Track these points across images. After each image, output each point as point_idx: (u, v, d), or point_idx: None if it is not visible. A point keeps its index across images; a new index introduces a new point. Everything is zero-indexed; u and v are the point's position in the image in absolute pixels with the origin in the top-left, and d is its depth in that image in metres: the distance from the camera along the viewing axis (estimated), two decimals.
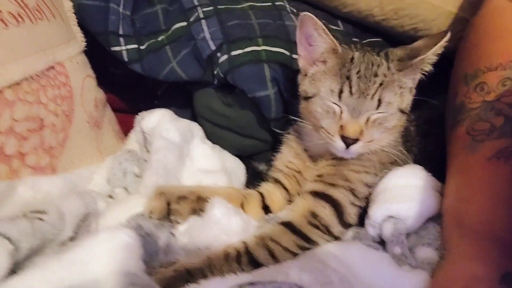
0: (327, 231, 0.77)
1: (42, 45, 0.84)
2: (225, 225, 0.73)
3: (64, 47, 0.92)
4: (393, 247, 0.70)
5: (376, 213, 0.73)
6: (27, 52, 0.79)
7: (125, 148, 1.01)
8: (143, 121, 0.98)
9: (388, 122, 0.80)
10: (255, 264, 0.69)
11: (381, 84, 0.77)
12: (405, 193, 0.74)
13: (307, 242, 0.75)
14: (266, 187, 0.93)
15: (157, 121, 0.96)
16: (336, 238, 0.78)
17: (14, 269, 0.53)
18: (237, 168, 1.03)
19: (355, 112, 0.77)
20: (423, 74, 0.83)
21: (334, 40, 0.80)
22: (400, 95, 0.80)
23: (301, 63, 0.86)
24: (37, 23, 0.84)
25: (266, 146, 1.09)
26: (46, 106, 0.81)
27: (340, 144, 0.78)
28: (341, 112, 0.79)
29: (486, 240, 0.61)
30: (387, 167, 0.83)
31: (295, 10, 1.16)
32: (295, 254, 0.72)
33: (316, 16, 1.17)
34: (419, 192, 0.74)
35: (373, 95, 0.77)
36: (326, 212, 0.79)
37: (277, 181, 0.93)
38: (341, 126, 0.78)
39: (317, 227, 0.77)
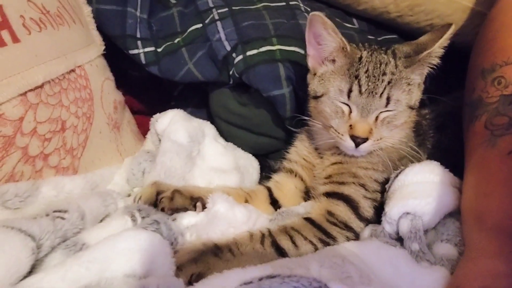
0: (346, 226, 0.78)
1: (63, 49, 0.87)
2: (231, 219, 0.75)
3: (84, 51, 0.95)
4: (411, 243, 0.69)
5: (393, 209, 0.73)
6: (50, 57, 0.81)
7: (144, 149, 1.03)
8: (156, 123, 1.00)
9: (397, 119, 0.81)
10: (277, 248, 0.72)
11: (389, 82, 0.79)
12: (421, 189, 0.74)
13: (327, 237, 0.76)
14: (277, 179, 0.94)
15: (168, 123, 0.98)
16: (356, 233, 0.79)
17: (35, 265, 0.55)
18: (250, 166, 1.04)
19: (364, 111, 0.79)
20: (431, 68, 0.84)
21: (343, 39, 0.81)
22: (408, 92, 0.81)
23: (311, 63, 0.88)
24: (58, 28, 0.87)
25: (281, 144, 1.09)
26: (67, 108, 0.83)
27: (349, 144, 0.80)
28: (350, 112, 0.80)
29: (506, 236, 0.60)
30: (396, 163, 0.84)
31: (309, 9, 1.17)
32: (314, 246, 0.74)
33: (329, 15, 1.18)
34: (436, 188, 0.73)
35: (382, 93, 0.78)
36: (341, 209, 0.80)
37: (291, 172, 0.94)
38: (350, 126, 0.79)
39: (335, 224, 0.78)
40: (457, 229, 0.71)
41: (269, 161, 1.13)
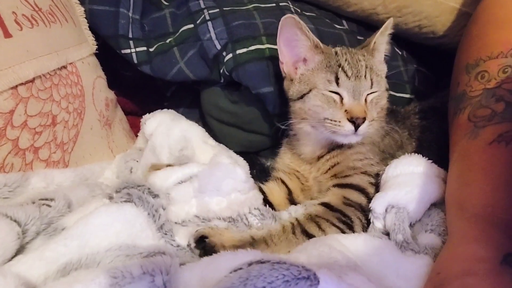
0: (360, 207, 0.81)
1: (54, 46, 0.88)
2: (231, 170, 0.79)
3: (76, 48, 0.96)
4: (395, 235, 0.70)
5: (374, 203, 0.76)
6: (41, 53, 0.83)
7: (136, 147, 1.04)
8: (145, 126, 1.00)
9: (381, 100, 0.88)
10: (306, 234, 0.76)
11: (366, 66, 0.86)
12: (401, 180, 0.76)
13: (344, 217, 0.79)
14: (267, 185, 0.97)
15: (154, 129, 0.98)
16: (367, 218, 0.80)
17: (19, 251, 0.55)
18: None
19: (356, 93, 0.84)
20: (385, 55, 0.96)
21: (315, 38, 0.88)
22: (381, 76, 0.90)
23: (286, 69, 0.93)
24: (50, 26, 0.88)
25: (271, 142, 1.11)
26: (58, 103, 0.84)
27: (349, 128, 0.82)
28: (341, 99, 0.84)
29: (487, 223, 0.61)
30: (379, 145, 0.89)
31: (299, 10, 1.19)
32: (337, 227, 0.78)
33: (320, 16, 1.21)
34: (417, 178, 0.75)
35: (365, 75, 0.85)
36: (355, 195, 0.83)
37: (277, 179, 0.97)
38: (346, 111, 0.83)
39: (351, 205, 0.81)
40: (442, 220, 0.72)
41: (260, 158, 1.14)
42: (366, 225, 0.79)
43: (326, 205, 0.82)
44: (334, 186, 0.86)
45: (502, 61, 0.78)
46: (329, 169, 0.90)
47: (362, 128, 0.82)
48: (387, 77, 0.94)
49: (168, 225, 0.67)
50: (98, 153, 0.96)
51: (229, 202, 0.78)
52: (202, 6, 1.14)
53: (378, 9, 1.22)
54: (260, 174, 1.05)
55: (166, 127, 0.95)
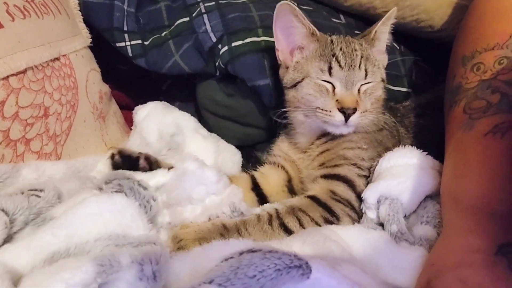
0: (349, 204, 0.79)
1: (47, 38, 0.87)
2: (201, 176, 0.75)
3: (70, 41, 0.95)
4: (390, 226, 0.70)
5: (366, 193, 0.75)
6: (33, 44, 0.82)
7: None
8: (136, 116, 1.00)
9: (376, 91, 0.87)
10: (285, 229, 0.73)
11: (362, 56, 0.85)
12: (394, 171, 0.76)
13: (331, 215, 0.77)
14: (262, 170, 0.96)
15: (144, 116, 0.97)
16: (357, 212, 0.79)
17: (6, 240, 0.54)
18: (230, 161, 1.04)
19: (348, 84, 0.83)
20: (388, 46, 0.96)
21: (311, 25, 0.87)
22: (377, 65, 0.89)
23: (282, 56, 0.93)
24: (42, 17, 0.88)
25: (267, 135, 1.10)
26: (51, 95, 0.84)
27: (339, 118, 0.81)
28: (334, 88, 0.83)
29: (482, 214, 0.60)
30: (374, 136, 0.87)
31: (296, 4, 1.18)
32: (320, 226, 0.75)
33: (317, 9, 1.20)
34: (411, 169, 0.75)
35: (360, 65, 0.84)
36: (341, 189, 0.81)
37: (276, 164, 0.96)
38: (337, 101, 0.82)
39: (339, 201, 0.79)
40: (437, 212, 0.72)
41: (256, 152, 1.14)
42: (358, 218, 0.78)
43: (312, 198, 0.80)
44: (321, 177, 0.85)
45: (498, 52, 0.77)
46: (318, 155, 0.89)
47: (353, 119, 0.81)
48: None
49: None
50: (91, 146, 0.95)
51: (204, 208, 0.75)
52: None
53: (375, 3, 1.21)
54: (255, 168, 1.05)
55: (157, 114, 0.95)
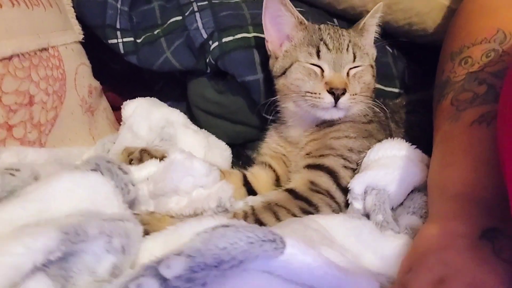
0: (328, 194, 0.78)
1: (36, 28, 0.87)
2: (189, 167, 0.73)
3: (60, 34, 0.96)
4: (375, 216, 0.68)
5: (353, 183, 0.74)
6: (20, 32, 0.82)
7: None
8: (124, 110, 0.99)
9: (365, 75, 0.87)
10: (260, 224, 0.70)
11: (350, 41, 0.86)
12: (382, 162, 0.74)
13: (309, 205, 0.76)
14: (252, 171, 0.95)
15: (133, 111, 0.96)
16: (338, 203, 0.78)
17: None
18: (219, 156, 1.03)
19: (337, 66, 0.83)
20: (376, 38, 0.97)
21: (300, 15, 0.89)
22: (366, 53, 0.90)
23: (271, 47, 0.93)
24: (32, 8, 0.88)
25: (257, 133, 1.09)
26: (37, 84, 0.83)
27: (329, 99, 0.81)
28: (322, 72, 0.84)
29: (466, 200, 0.59)
30: (363, 126, 0.86)
31: None
32: (295, 216, 0.73)
33: (310, 11, 1.21)
34: (398, 161, 0.73)
35: (347, 49, 0.85)
36: (323, 180, 0.80)
37: (264, 164, 0.95)
38: (326, 83, 0.82)
39: (318, 192, 0.78)
40: (424, 203, 0.71)
41: (246, 151, 1.13)
42: (339, 209, 0.77)
43: (290, 191, 0.78)
44: (306, 167, 0.83)
45: (486, 46, 0.77)
46: (306, 144, 0.88)
47: (343, 100, 0.80)
48: (376, 72, 0.93)
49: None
50: (79, 138, 0.94)
51: (190, 200, 0.72)
52: None
53: (368, 6, 1.21)
54: (246, 166, 1.04)
55: (146, 109, 0.93)
